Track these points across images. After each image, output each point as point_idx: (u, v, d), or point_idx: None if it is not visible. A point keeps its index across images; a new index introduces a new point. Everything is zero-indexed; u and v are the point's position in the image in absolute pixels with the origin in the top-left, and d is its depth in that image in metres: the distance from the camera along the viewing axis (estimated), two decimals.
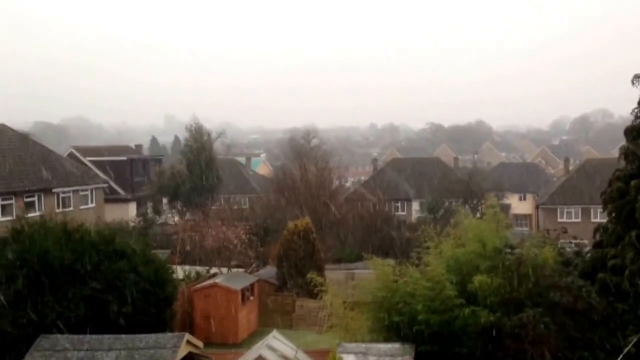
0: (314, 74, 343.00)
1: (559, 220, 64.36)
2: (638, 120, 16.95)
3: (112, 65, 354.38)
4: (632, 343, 14.06)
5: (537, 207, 72.24)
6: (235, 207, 59.44)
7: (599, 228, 17.73)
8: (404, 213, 67.73)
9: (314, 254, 34.88)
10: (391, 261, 19.16)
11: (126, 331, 17.11)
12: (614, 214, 16.87)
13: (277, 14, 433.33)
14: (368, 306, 17.84)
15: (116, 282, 18.74)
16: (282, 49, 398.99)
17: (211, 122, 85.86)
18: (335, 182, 64.05)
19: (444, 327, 16.44)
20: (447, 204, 58.21)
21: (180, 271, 31.56)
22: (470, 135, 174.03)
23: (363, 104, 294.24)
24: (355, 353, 16.25)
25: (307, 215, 41.08)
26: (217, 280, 30.48)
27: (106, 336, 15.36)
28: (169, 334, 16.42)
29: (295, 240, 34.91)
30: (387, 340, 17.03)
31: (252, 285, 31.62)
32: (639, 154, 16.40)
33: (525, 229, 65.98)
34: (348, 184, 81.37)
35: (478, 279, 16.77)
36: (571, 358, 15.56)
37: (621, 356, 12.63)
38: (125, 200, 60.41)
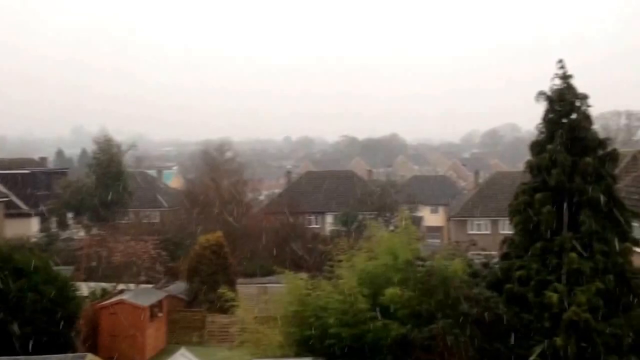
0: (229, 86, 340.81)
1: (469, 232, 66.14)
2: (542, 135, 17.51)
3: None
4: (537, 352, 14.40)
5: (448, 220, 74.04)
6: (146, 221, 57.88)
7: (505, 240, 18.16)
8: (317, 226, 67.82)
9: (225, 268, 34.33)
10: (304, 275, 18.97)
11: (27, 353, 16.24)
12: (520, 226, 17.31)
13: (190, 22, 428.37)
14: (280, 321, 17.58)
15: (15, 302, 17.73)
16: (198, 59, 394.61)
17: (123, 134, 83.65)
18: (249, 195, 63.52)
19: (355, 341, 16.37)
20: (360, 216, 58.66)
21: (85, 288, 30.26)
22: (385, 148, 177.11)
23: (278, 116, 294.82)
24: None
25: (220, 229, 40.41)
26: (124, 296, 29.44)
27: (3, 358, 14.48)
28: (70, 355, 15.65)
29: (206, 254, 34.27)
30: (298, 355, 16.81)
31: (160, 301, 30.72)
32: (542, 168, 16.91)
33: (437, 240, 67.39)
34: (262, 197, 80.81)
35: (389, 292, 16.83)
36: None
37: None
38: (27, 215, 57.62)
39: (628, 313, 15.76)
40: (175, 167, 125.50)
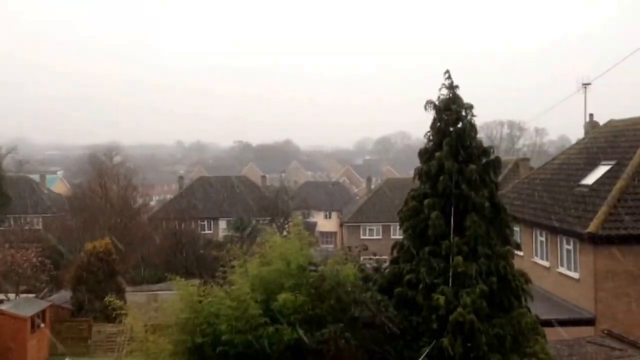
0: (119, 89, 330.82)
1: (362, 237, 67.45)
2: (430, 143, 18.08)
3: None
4: (425, 354, 14.81)
5: (341, 225, 75.12)
6: (27, 228, 55.04)
7: (396, 245, 18.60)
8: (210, 232, 67.02)
9: (113, 276, 33.26)
10: (196, 281, 18.61)
11: None
12: (409, 231, 17.78)
13: (82, 22, 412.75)
14: (171, 328, 17.15)
15: None
16: (85, 61, 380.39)
17: (3, 137, 79.19)
18: (139, 201, 61.82)
19: (248, 347, 16.24)
20: (254, 222, 58.50)
21: None
22: (278, 154, 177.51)
23: (170, 121, 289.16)
24: None
25: (108, 235, 39.08)
26: (4, 307, 27.89)
27: None
28: None
29: (93, 262, 33.10)
30: None
31: (43, 311, 29.35)
32: (431, 175, 17.46)
33: (331, 246, 68.31)
34: (153, 203, 78.90)
35: (282, 297, 16.81)
36: None
37: None
38: None
39: (509, 313, 16.51)
40: (60, 172, 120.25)
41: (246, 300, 16.61)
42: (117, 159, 71.84)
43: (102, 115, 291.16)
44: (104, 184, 56.19)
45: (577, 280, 24.33)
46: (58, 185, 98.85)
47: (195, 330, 16.66)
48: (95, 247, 33.75)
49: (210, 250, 43.51)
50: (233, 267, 18.16)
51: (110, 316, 23.11)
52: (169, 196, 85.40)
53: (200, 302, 17.22)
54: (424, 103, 18.09)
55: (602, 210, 23.56)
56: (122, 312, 17.58)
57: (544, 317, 18.48)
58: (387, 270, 18.29)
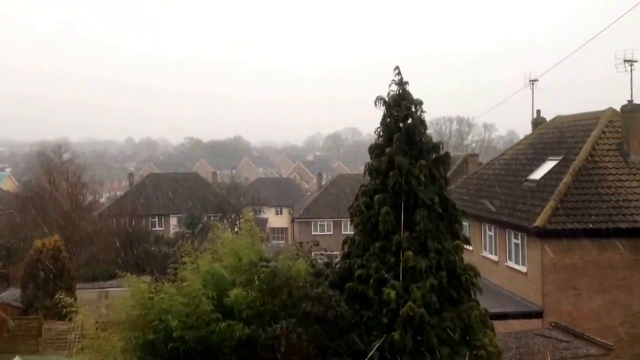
0: (67, 86, 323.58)
1: (313, 233, 67.67)
2: (381, 139, 18.24)
3: None
4: (375, 347, 14.97)
5: (292, 221, 75.18)
6: None
7: (347, 240, 18.72)
8: (161, 228, 66.30)
9: (63, 273, 32.67)
10: (147, 278, 18.42)
11: None
12: (360, 227, 17.92)
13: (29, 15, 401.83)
14: (122, 325, 16.96)
15: None
16: (34, 58, 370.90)
17: None
18: (89, 198, 60.77)
19: (200, 343, 16.18)
20: (205, 219, 58.07)
21: None
22: (229, 151, 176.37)
23: (120, 117, 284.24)
24: None
25: (57, 233, 38.35)
26: None
27: None
28: None
29: (42, 259, 32.46)
30: (140, 359, 16.32)
31: None
32: (381, 171, 17.62)
33: (282, 242, 68.24)
34: (103, 200, 77.59)
35: (234, 293, 16.79)
36: None
37: (366, 359, 13.39)
38: None
39: (459, 307, 16.81)
40: (8, 169, 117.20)
41: (198, 296, 16.53)
42: (66, 155, 70.21)
43: (51, 112, 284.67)
44: (53, 181, 55.05)
45: (525, 274, 24.88)
46: (6, 182, 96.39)
47: (147, 327, 16.51)
48: (45, 244, 33.14)
49: (161, 247, 43.09)
50: (184, 263, 18.05)
51: (60, 314, 22.66)
52: (119, 193, 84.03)
53: (151, 298, 17.07)
54: (375, 99, 18.25)
55: (549, 205, 24.13)
56: (73, 309, 17.30)
57: (492, 310, 18.88)
58: (338, 266, 18.41)
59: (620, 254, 23.44)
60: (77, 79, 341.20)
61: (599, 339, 20.69)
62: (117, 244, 45.39)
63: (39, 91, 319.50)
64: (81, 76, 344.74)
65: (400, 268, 16.59)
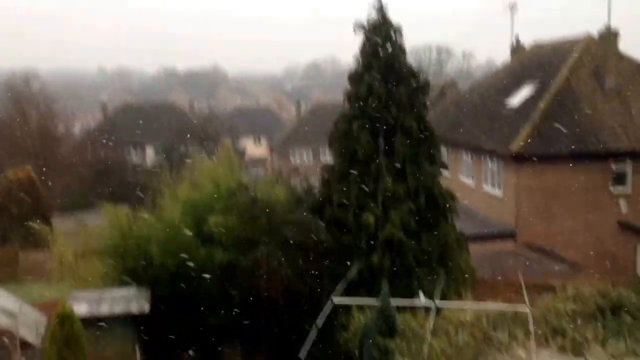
0: (36, 13, 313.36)
1: (292, 162, 67.70)
2: (360, 66, 18.02)
3: None
4: (355, 271, 15.21)
5: (271, 150, 75.03)
6: None
7: (326, 167, 18.75)
8: (138, 158, 65.86)
9: (38, 203, 32.45)
10: (125, 207, 18.40)
11: None
12: (339, 154, 17.92)
13: None
14: (101, 254, 17.04)
15: None
16: None
17: None
18: (62, 129, 59.81)
19: (180, 269, 16.34)
20: (182, 148, 57.71)
21: None
22: (206, 80, 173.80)
23: (91, 45, 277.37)
24: (88, 301, 15.51)
25: (30, 164, 37.90)
26: None
27: None
28: None
29: (16, 189, 32.15)
30: (121, 285, 16.49)
31: None
32: (360, 97, 17.49)
33: (261, 170, 68.11)
34: (76, 130, 76.44)
35: (213, 220, 16.87)
36: (302, 289, 16.43)
37: (344, 282, 13.62)
38: None
39: (436, 230, 17.07)
40: None
41: (177, 224, 16.59)
42: (35, 85, 68.58)
43: (18, 40, 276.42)
44: (23, 112, 53.93)
45: (500, 198, 25.29)
46: None
47: (127, 255, 16.62)
48: (17, 175, 32.79)
49: (139, 177, 42.88)
50: (163, 192, 18.04)
51: (38, 243, 22.62)
52: (92, 123, 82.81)
53: (130, 227, 17.11)
54: (353, 25, 17.94)
55: (525, 130, 24.30)
56: (50, 238, 17.31)
57: (468, 233, 19.21)
58: (317, 193, 18.49)
59: (592, 177, 23.88)
60: (44, 7, 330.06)
61: (568, 258, 21.37)
62: (93, 175, 45.07)
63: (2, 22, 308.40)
64: (48, 3, 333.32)
65: (379, 193, 16.71)
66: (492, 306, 11.45)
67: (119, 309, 15.41)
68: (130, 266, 16.53)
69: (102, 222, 17.99)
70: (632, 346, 9.97)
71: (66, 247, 17.47)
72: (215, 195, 17.64)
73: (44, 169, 39.83)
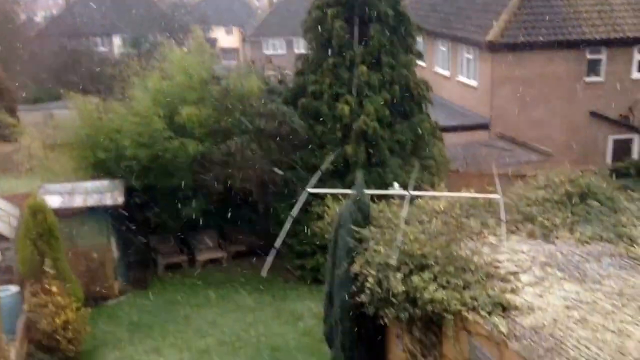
0: None
1: (265, 52, 66.32)
2: None
3: None
4: (329, 161, 15.18)
5: (243, 40, 73.27)
6: None
7: (300, 57, 18.35)
8: (105, 49, 63.96)
9: (2, 94, 31.57)
10: (94, 98, 17.95)
11: None
12: (313, 43, 17.49)
13: None
14: (71, 146, 16.74)
15: None
16: None
17: None
18: (22, 16, 57.46)
19: (153, 161, 16.20)
20: (151, 38, 56.01)
21: None
22: None
23: None
24: (60, 193, 15.38)
25: None
26: None
27: None
28: None
29: None
30: (94, 178, 16.35)
31: None
32: None
33: (233, 61, 66.75)
34: (38, 18, 73.61)
35: (186, 111, 16.58)
36: (277, 179, 16.46)
37: (319, 172, 13.61)
38: None
39: (410, 120, 17.01)
40: None
41: (148, 115, 16.28)
42: None
43: None
44: None
45: (475, 88, 25.13)
46: None
47: (98, 147, 16.36)
48: None
49: (106, 67, 41.75)
50: (132, 83, 17.58)
51: (4, 135, 22.14)
52: (54, 11, 79.57)
53: (100, 118, 16.76)
54: None
55: (502, 18, 23.83)
56: (17, 130, 16.91)
57: (442, 123, 19.19)
58: (291, 82, 18.17)
59: (566, 65, 23.74)
60: None
61: (540, 147, 21.61)
62: (59, 65, 43.73)
63: None
64: None
65: (354, 83, 16.47)
66: (465, 195, 11.57)
67: (92, 201, 15.32)
68: (101, 158, 16.31)
69: (70, 113, 17.57)
70: (598, 231, 10.22)
71: (34, 139, 17.10)
72: (187, 86, 17.24)
73: (6, 58, 38.53)
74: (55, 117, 26.10)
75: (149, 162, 16.08)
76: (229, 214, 17.41)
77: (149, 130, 16.09)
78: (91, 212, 15.19)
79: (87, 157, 16.37)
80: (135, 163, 16.01)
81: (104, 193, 15.57)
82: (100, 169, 16.51)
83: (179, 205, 16.77)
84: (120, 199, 15.40)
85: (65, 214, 14.51)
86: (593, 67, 24.05)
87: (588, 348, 6.78)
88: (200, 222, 17.19)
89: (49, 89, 37.70)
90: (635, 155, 23.50)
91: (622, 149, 24.38)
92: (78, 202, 15.21)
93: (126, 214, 16.34)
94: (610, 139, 24.36)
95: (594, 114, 24.06)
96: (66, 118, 17.93)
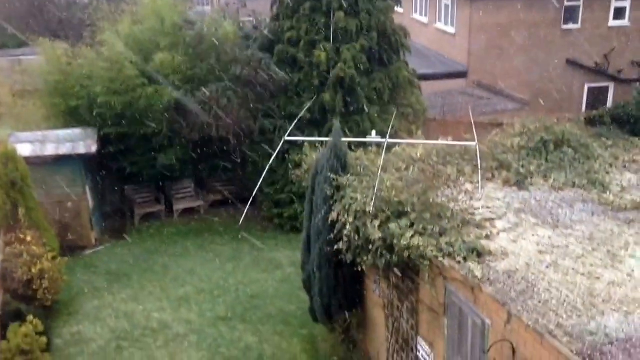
0: None
1: None
2: None
3: None
4: (306, 108, 15.06)
5: None
6: None
7: (276, 1, 17.94)
8: None
9: None
10: (63, 44, 17.47)
11: None
12: None
13: None
14: (41, 93, 16.39)
15: None
16: None
17: None
18: None
19: (127, 109, 15.93)
20: None
21: None
22: None
23: None
24: (31, 142, 15.10)
25: None
26: None
27: None
28: None
29: None
30: (66, 126, 16.07)
31: None
32: None
33: (207, 7, 65.30)
34: None
35: (159, 57, 16.26)
36: (254, 127, 16.32)
37: (296, 120, 13.51)
38: None
39: (388, 68, 16.85)
40: None
41: (120, 61, 15.93)
42: None
43: None
44: None
45: (453, 35, 24.93)
46: None
47: (68, 94, 16.03)
48: None
49: (75, 11, 40.58)
50: (103, 28, 17.14)
51: None
52: None
53: (70, 64, 16.37)
54: None
55: None
56: None
57: (420, 71, 19.06)
58: (267, 28, 17.83)
59: (544, 13, 23.58)
60: None
61: (517, 95, 21.62)
62: (24, 9, 42.46)
63: None
64: None
65: (331, 29, 16.21)
66: (442, 143, 11.57)
67: (64, 149, 15.08)
68: (73, 106, 16.00)
69: (38, 59, 17.12)
70: (572, 178, 10.33)
71: (2, 87, 16.68)
72: (160, 31, 16.85)
73: None
74: (22, 63, 25.46)
75: (122, 109, 15.81)
76: (206, 163, 17.29)
77: (121, 77, 15.77)
78: (64, 160, 14.97)
79: (58, 104, 16.04)
80: (109, 111, 15.74)
81: (77, 141, 15.32)
82: (72, 117, 16.21)
83: (155, 154, 16.60)
84: (93, 148, 15.18)
85: (37, 163, 14.29)
86: (570, 14, 23.92)
87: (559, 290, 6.90)
88: (177, 172, 17.07)
89: (14, 35, 36.70)
90: (609, 104, 23.64)
91: (597, 97, 24.50)
92: (50, 150, 14.97)
93: (101, 163, 16.16)
94: (586, 87, 24.46)
95: (570, 62, 24.07)
96: (34, 64, 17.48)
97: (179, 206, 17.74)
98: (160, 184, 17.61)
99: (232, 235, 16.54)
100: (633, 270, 7.36)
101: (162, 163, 16.57)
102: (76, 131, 15.72)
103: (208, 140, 16.26)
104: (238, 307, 12.99)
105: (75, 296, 13.38)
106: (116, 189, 17.18)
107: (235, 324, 12.37)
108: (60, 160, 14.95)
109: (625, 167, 11.15)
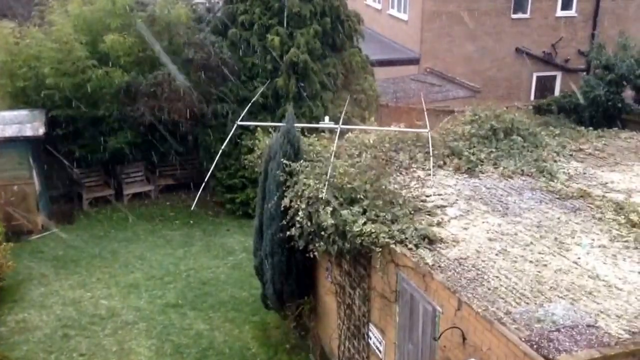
0: None
1: None
2: None
3: None
4: (259, 93, 14.97)
5: None
6: None
7: None
8: None
9: None
10: (9, 23, 16.95)
11: None
12: None
13: None
14: None
15: None
16: None
17: None
18: None
19: (76, 90, 15.59)
20: None
21: None
22: None
23: None
24: None
25: None
26: None
27: None
28: None
29: None
30: (12, 108, 15.63)
31: None
32: None
33: None
34: None
35: (110, 39, 15.92)
36: (206, 111, 16.16)
37: (249, 104, 13.44)
38: None
39: (341, 53, 16.86)
40: None
41: (69, 41, 15.55)
42: None
43: None
44: None
45: (406, 22, 25.07)
46: None
47: (15, 75, 15.60)
48: None
49: None
50: (51, 7, 16.70)
51: None
52: None
53: (17, 44, 15.91)
54: None
55: None
56: None
57: (373, 57, 19.10)
58: (220, 11, 17.61)
59: (495, 1, 23.88)
60: None
61: (468, 82, 21.93)
62: None
63: None
64: None
65: (285, 14, 16.11)
66: (395, 129, 11.66)
67: (11, 131, 14.67)
68: (20, 87, 15.57)
69: None
70: (521, 165, 10.56)
71: None
72: (110, 11, 16.48)
73: None
74: None
75: (71, 91, 15.45)
76: (158, 147, 17.06)
77: (70, 58, 15.41)
78: (10, 143, 14.58)
79: (4, 85, 15.61)
80: (57, 92, 15.36)
81: (24, 123, 14.92)
82: (19, 99, 15.78)
83: (105, 138, 16.30)
84: (41, 130, 14.81)
85: None
86: (520, 4, 24.32)
87: (508, 278, 7.06)
88: (128, 155, 16.79)
89: None
90: (557, 92, 24.17)
91: (545, 86, 25.04)
92: None
93: (49, 146, 15.78)
94: (535, 76, 24.95)
95: (519, 51, 24.49)
96: None
97: (129, 190, 17.47)
98: (110, 167, 17.31)
99: (183, 220, 16.40)
100: (579, 258, 7.58)
101: (113, 146, 16.28)
102: (23, 113, 15.30)
103: (160, 123, 16.02)
104: (189, 293, 12.91)
105: (20, 283, 13.09)
106: (64, 172, 16.80)
107: (185, 311, 12.29)
108: (6, 143, 14.56)
109: (572, 155, 11.46)
